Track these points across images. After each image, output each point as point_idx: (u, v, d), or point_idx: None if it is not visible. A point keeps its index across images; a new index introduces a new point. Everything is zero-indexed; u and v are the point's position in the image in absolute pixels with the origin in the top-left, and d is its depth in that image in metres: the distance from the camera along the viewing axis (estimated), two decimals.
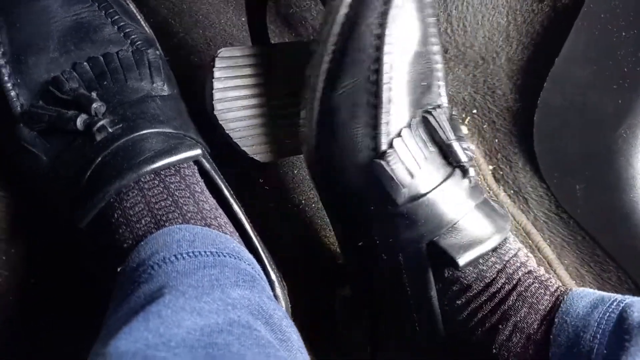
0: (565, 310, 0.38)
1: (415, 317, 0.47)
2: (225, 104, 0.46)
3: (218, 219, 0.39)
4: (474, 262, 0.43)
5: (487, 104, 0.72)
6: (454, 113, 0.46)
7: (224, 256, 0.34)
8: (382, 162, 0.41)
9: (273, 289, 0.42)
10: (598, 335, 0.36)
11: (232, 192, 0.43)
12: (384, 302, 0.49)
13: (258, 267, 0.38)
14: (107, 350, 0.26)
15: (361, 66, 0.41)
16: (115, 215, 0.37)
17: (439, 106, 0.45)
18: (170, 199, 0.37)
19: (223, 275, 0.32)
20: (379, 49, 0.41)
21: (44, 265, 0.48)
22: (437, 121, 0.43)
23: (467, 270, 0.43)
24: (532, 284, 0.42)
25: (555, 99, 0.65)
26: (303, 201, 0.64)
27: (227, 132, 0.47)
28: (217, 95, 0.45)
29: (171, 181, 0.38)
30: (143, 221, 0.36)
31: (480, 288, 0.43)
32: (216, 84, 0.45)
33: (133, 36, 0.42)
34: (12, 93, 0.41)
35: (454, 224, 0.42)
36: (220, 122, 0.46)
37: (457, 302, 0.44)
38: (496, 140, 0.73)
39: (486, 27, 0.68)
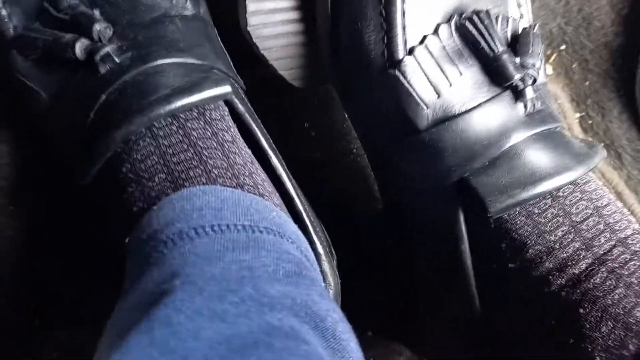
0: None
1: (443, 281, 0.40)
2: (260, 18, 0.40)
3: (254, 175, 0.31)
4: (523, 212, 0.35)
5: (580, 38, 0.64)
6: (533, 29, 0.38)
7: (260, 232, 0.26)
8: (397, 73, 0.36)
9: (319, 263, 0.34)
10: None
11: (271, 141, 0.35)
12: (417, 260, 0.42)
13: (306, 244, 0.30)
14: None
15: None
16: (124, 169, 0.29)
17: (509, 17, 0.38)
18: (192, 150, 0.29)
19: (258, 262, 0.24)
20: None
21: (52, 216, 0.44)
22: (480, 29, 0.36)
23: (519, 221, 0.35)
24: (630, 260, 0.33)
25: None
26: (354, 150, 0.58)
27: (262, 51, 0.41)
28: (251, 6, 0.39)
29: (193, 127, 0.30)
30: (157, 178, 0.28)
31: (540, 250, 0.35)
32: None
33: None
34: (3, 12, 0.33)
35: (495, 158, 0.35)
36: (255, 40, 0.40)
37: (510, 264, 0.36)
38: (587, 83, 0.65)
39: None
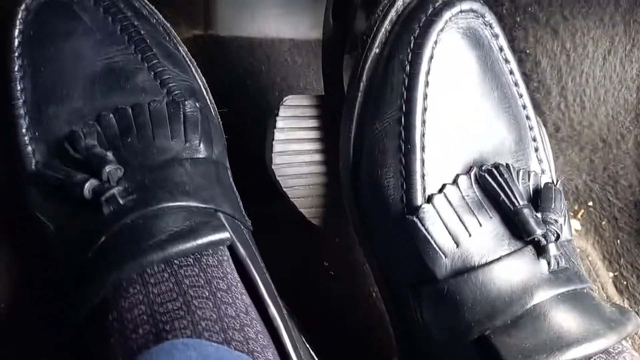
0: None
1: None
2: (285, 158, 0.42)
3: (246, 328, 0.29)
4: None
5: (608, 196, 0.62)
6: (555, 184, 0.38)
7: None
8: (415, 220, 0.35)
9: None
10: None
11: (272, 288, 0.33)
12: None
13: None
14: None
15: (391, 106, 0.37)
16: (110, 317, 0.28)
17: (531, 172, 0.38)
18: (181, 300, 0.27)
19: None
20: (411, 88, 0.36)
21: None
22: (500, 182, 0.36)
23: None
24: None
25: None
26: (374, 294, 0.56)
27: (284, 189, 0.43)
28: (277, 147, 0.42)
29: (186, 274, 0.29)
30: (141, 330, 0.26)
31: None
32: (277, 135, 0.41)
33: (171, 84, 0.35)
34: (28, 148, 0.34)
35: (517, 317, 0.33)
36: (278, 178, 0.42)
37: None
38: (618, 242, 0.62)
39: (610, 103, 0.59)
